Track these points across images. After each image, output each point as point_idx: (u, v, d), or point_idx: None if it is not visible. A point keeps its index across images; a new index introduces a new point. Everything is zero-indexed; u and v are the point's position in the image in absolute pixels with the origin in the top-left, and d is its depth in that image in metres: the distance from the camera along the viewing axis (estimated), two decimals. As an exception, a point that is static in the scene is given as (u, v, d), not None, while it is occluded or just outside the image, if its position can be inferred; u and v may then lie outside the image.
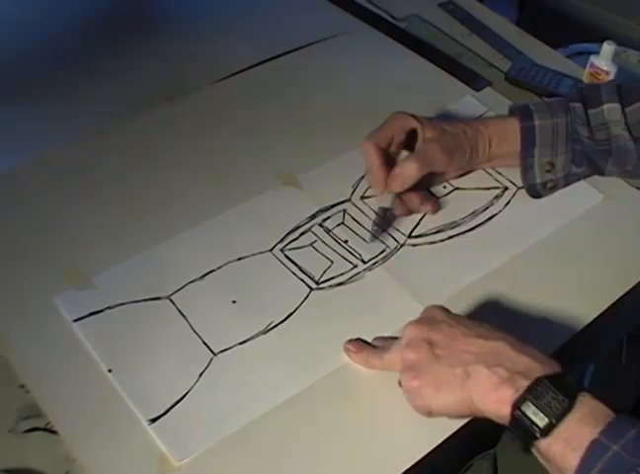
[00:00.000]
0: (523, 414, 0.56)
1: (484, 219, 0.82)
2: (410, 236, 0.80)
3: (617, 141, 0.81)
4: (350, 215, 0.81)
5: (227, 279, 0.75)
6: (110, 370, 0.67)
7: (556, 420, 0.55)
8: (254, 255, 0.77)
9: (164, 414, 0.65)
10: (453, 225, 0.82)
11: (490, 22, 1.08)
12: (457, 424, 0.65)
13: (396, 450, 0.64)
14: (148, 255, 0.76)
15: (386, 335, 0.71)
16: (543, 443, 0.56)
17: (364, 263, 0.77)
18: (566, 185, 0.84)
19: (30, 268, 0.75)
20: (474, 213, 0.83)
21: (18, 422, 0.65)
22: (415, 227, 0.81)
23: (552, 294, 0.76)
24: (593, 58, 0.97)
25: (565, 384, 0.57)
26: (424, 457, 0.64)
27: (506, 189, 0.86)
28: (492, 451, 0.74)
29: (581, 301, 0.76)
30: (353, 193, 0.84)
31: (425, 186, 0.83)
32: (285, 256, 0.77)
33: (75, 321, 0.70)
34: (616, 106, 0.81)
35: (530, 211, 0.83)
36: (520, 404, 0.56)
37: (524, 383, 0.57)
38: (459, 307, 0.74)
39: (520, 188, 0.85)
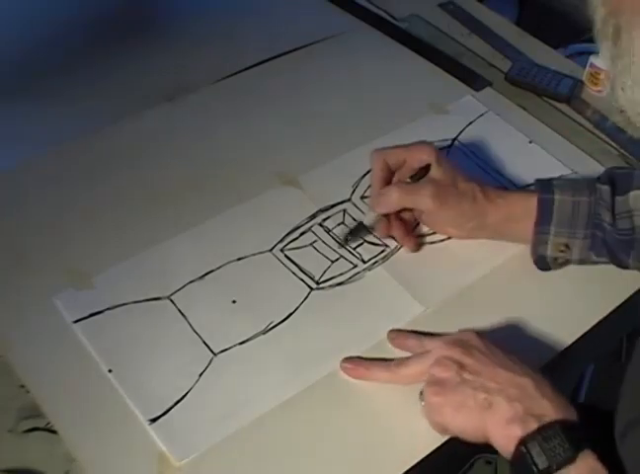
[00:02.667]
0: (528, 451, 0.57)
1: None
2: (410, 236, 0.80)
3: None
4: (350, 215, 0.81)
5: (227, 279, 0.75)
6: (110, 370, 0.67)
7: (557, 466, 0.56)
8: (254, 255, 0.77)
9: (164, 414, 0.65)
10: (453, 225, 0.82)
11: (490, 22, 1.08)
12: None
13: (396, 451, 0.64)
14: (148, 255, 0.76)
15: (384, 335, 0.71)
16: None
17: (364, 262, 0.77)
18: (580, 264, 0.77)
19: (30, 268, 0.75)
20: (474, 213, 0.83)
21: (18, 422, 0.65)
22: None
23: (553, 294, 0.76)
24: (593, 58, 0.97)
25: (575, 436, 0.57)
26: (425, 458, 0.64)
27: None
28: (494, 457, 0.74)
29: (582, 302, 0.76)
30: (353, 193, 0.84)
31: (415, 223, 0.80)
32: (285, 256, 0.77)
33: (75, 322, 0.70)
34: None
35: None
36: (527, 441, 0.57)
37: (534, 426, 0.58)
38: (459, 307, 0.74)
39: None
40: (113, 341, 0.69)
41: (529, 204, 0.75)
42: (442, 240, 0.80)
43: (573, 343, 0.72)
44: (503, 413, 0.59)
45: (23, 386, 0.67)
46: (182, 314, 0.72)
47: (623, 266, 0.76)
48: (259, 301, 0.73)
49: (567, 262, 0.76)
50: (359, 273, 0.76)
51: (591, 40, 1.19)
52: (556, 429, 0.57)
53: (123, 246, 0.77)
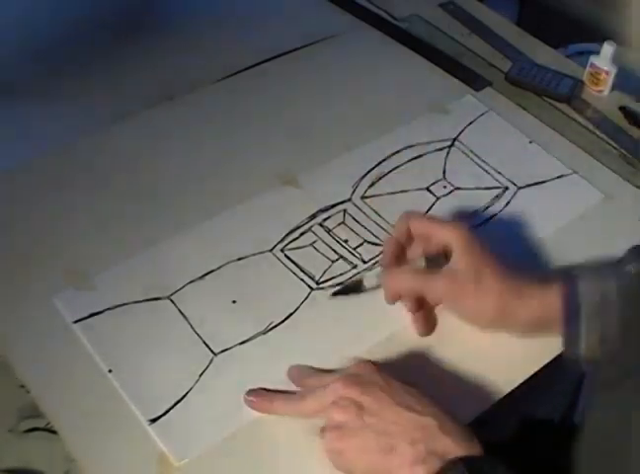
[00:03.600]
0: None
1: (484, 219, 0.82)
2: (410, 236, 0.80)
3: None
4: (350, 215, 0.81)
5: (227, 279, 0.75)
6: (110, 370, 0.67)
7: None
8: (254, 255, 0.77)
9: (164, 414, 0.65)
10: (453, 225, 0.82)
11: (490, 22, 1.08)
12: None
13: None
14: (148, 255, 0.76)
15: (384, 335, 0.71)
16: None
17: (364, 263, 0.77)
18: None
19: (30, 268, 0.75)
20: (474, 213, 0.83)
21: (18, 422, 0.65)
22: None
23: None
24: (593, 58, 0.97)
25: (480, 470, 0.55)
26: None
27: (506, 188, 0.86)
28: None
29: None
30: (353, 192, 0.84)
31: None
32: (286, 256, 0.77)
33: (75, 322, 0.70)
34: None
35: (530, 211, 0.83)
36: None
37: (437, 466, 0.56)
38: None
39: (520, 188, 0.86)
40: (113, 341, 0.69)
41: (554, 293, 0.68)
42: (443, 240, 0.80)
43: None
44: (406, 456, 0.57)
45: (23, 386, 0.67)
46: (182, 314, 0.72)
47: None
48: (259, 301, 0.73)
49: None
50: (359, 273, 0.76)
51: (591, 40, 1.19)
52: (459, 466, 0.55)
53: (123, 246, 0.77)
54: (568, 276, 0.68)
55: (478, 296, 0.67)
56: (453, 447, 0.57)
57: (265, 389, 0.66)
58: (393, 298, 0.71)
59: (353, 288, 0.74)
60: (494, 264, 0.68)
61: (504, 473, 0.56)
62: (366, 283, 0.74)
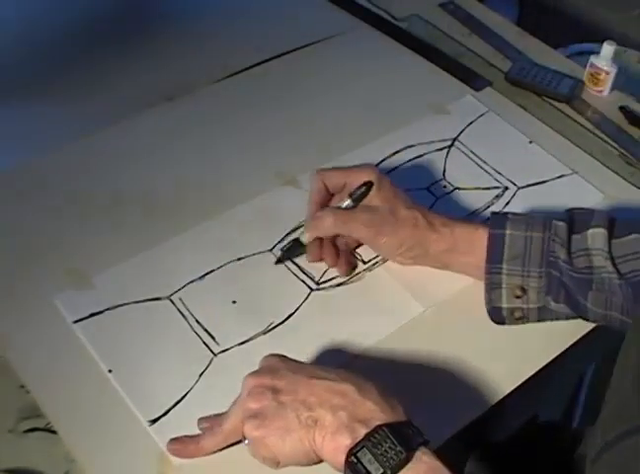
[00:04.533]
0: (359, 461, 0.54)
1: (484, 219, 0.82)
2: (410, 236, 0.80)
3: (600, 273, 0.68)
4: (350, 215, 0.81)
5: (227, 280, 0.75)
6: (110, 371, 0.67)
7: (391, 471, 0.54)
8: (254, 255, 0.77)
9: (164, 414, 0.65)
10: (453, 225, 0.82)
11: (490, 22, 1.08)
12: (456, 427, 0.65)
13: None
14: (148, 255, 0.76)
15: (384, 335, 0.71)
16: None
17: (364, 263, 0.77)
18: (538, 321, 0.72)
19: (30, 268, 0.75)
20: (474, 213, 0.83)
21: (18, 422, 0.65)
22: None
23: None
24: (593, 58, 0.97)
25: (405, 435, 0.55)
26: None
27: (506, 188, 0.86)
28: None
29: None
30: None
31: (352, 246, 0.78)
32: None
33: (75, 322, 0.70)
34: (602, 231, 0.69)
35: (531, 211, 0.83)
36: (356, 451, 0.54)
37: (363, 431, 0.55)
38: (459, 307, 0.74)
39: (520, 188, 0.86)
40: (113, 341, 0.69)
41: (476, 237, 0.72)
42: (443, 240, 0.80)
43: (576, 341, 0.73)
44: (329, 426, 0.56)
45: (23, 386, 0.67)
46: (182, 314, 0.72)
47: (581, 312, 0.70)
48: (259, 302, 0.73)
49: (524, 318, 0.72)
50: (359, 273, 0.76)
51: (591, 40, 1.20)
52: (384, 432, 0.54)
53: (123, 246, 0.77)
54: (499, 219, 0.72)
55: (396, 226, 0.72)
56: (376, 412, 0.56)
57: (186, 436, 0.63)
58: (316, 255, 0.75)
59: (294, 249, 0.76)
60: (404, 197, 0.74)
61: (427, 439, 0.56)
62: (303, 239, 0.75)
